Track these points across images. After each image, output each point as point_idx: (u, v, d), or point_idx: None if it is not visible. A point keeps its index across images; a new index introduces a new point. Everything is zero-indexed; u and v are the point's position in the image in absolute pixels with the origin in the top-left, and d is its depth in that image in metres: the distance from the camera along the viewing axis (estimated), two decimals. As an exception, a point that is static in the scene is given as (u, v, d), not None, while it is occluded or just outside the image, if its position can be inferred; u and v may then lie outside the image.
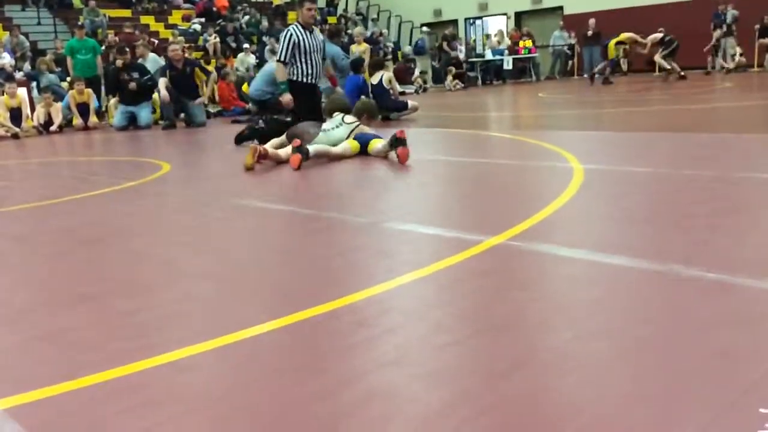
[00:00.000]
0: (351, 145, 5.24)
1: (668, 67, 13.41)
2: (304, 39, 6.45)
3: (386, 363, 1.57)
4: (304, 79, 6.59)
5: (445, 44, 17.99)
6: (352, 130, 5.38)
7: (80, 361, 1.70)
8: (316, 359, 1.62)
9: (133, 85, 10.05)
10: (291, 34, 6.48)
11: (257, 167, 4.95)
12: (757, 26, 14.38)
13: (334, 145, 5.21)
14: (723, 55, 14.93)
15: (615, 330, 1.67)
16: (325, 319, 1.87)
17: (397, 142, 4.75)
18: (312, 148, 5.04)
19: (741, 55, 14.38)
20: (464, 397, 1.39)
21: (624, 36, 13.89)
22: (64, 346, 1.82)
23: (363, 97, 8.21)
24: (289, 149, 5.15)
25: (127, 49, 10.39)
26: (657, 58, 13.80)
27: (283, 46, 6.51)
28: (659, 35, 13.56)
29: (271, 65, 10.67)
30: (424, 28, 21.17)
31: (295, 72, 6.57)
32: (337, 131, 5.39)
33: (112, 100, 10.79)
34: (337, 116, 5.55)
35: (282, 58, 6.54)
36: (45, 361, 1.73)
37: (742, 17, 14.65)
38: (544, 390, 1.40)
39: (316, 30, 6.69)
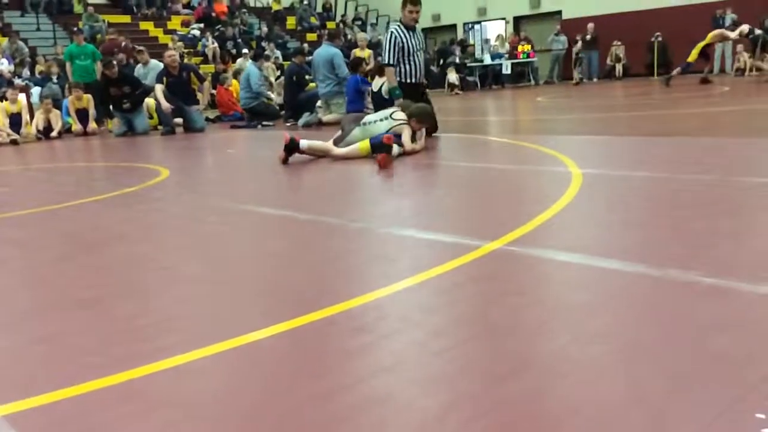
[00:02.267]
0: (360, 146, 5.21)
1: (765, 66, 12.63)
2: (406, 39, 6.46)
3: (384, 368, 1.58)
4: (409, 79, 6.58)
5: (458, 48, 18.20)
6: (393, 127, 5.33)
7: (80, 366, 1.70)
8: (314, 364, 1.63)
9: (127, 104, 10.01)
10: (395, 36, 6.48)
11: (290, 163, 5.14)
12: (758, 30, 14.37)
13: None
14: (722, 61, 14.93)
15: (612, 334, 1.67)
16: (323, 325, 1.87)
17: (381, 147, 4.74)
18: (306, 143, 5.06)
19: (750, 57, 14.33)
20: (461, 401, 1.40)
21: (711, 36, 12.67)
22: (64, 350, 1.82)
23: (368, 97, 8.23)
24: (323, 143, 5.21)
25: (114, 62, 10.28)
26: (750, 59, 13.19)
27: (387, 48, 6.51)
28: (746, 28, 12.58)
29: (248, 71, 10.73)
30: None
31: (400, 73, 6.56)
32: (379, 125, 5.36)
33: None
34: (388, 110, 5.54)
35: (389, 61, 6.52)
36: (44, 366, 1.74)
37: (741, 21, 14.66)
38: (542, 394, 1.41)
39: (418, 29, 6.69)
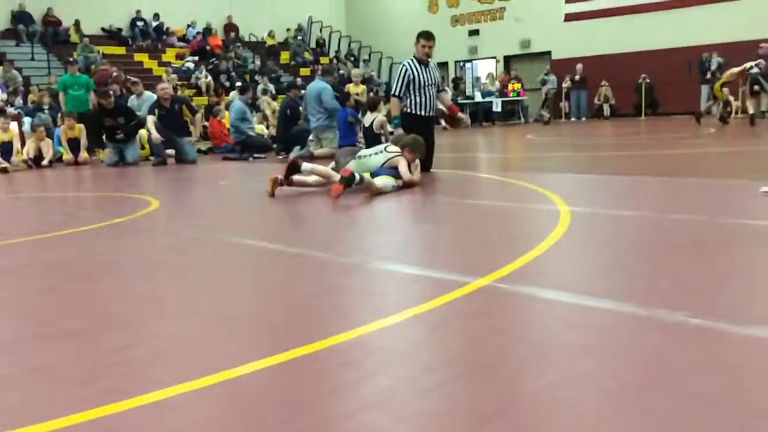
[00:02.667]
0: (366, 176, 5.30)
1: (752, 109, 12.08)
2: (418, 73, 6.61)
3: (370, 405, 1.57)
4: (419, 111, 6.71)
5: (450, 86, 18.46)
6: (389, 159, 5.41)
7: (63, 398, 1.68)
8: (300, 400, 1.62)
9: (121, 135, 10.05)
10: (406, 69, 6.66)
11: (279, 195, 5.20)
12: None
13: (367, 171, 5.24)
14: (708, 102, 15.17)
15: (598, 374, 1.68)
16: (310, 360, 1.87)
17: (345, 179, 4.81)
18: (309, 166, 5.17)
19: (735, 100, 14.58)
20: (448, 440, 1.39)
21: (727, 75, 12.50)
22: (48, 383, 1.80)
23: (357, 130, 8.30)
24: (314, 177, 5.26)
25: (111, 93, 10.33)
26: (736, 102, 12.89)
27: (398, 80, 6.71)
28: (749, 64, 12.37)
29: (235, 105, 10.87)
30: None
31: (409, 104, 6.72)
32: (374, 158, 5.44)
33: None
34: (382, 145, 5.62)
35: (396, 92, 6.72)
36: (27, 398, 1.71)
37: (727, 66, 14.97)
38: (528, 434, 1.41)
39: (432, 63, 6.86)
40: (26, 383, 1.81)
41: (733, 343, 1.83)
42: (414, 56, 6.75)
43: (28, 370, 1.90)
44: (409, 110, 6.73)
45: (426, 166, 6.41)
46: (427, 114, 6.76)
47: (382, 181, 5.16)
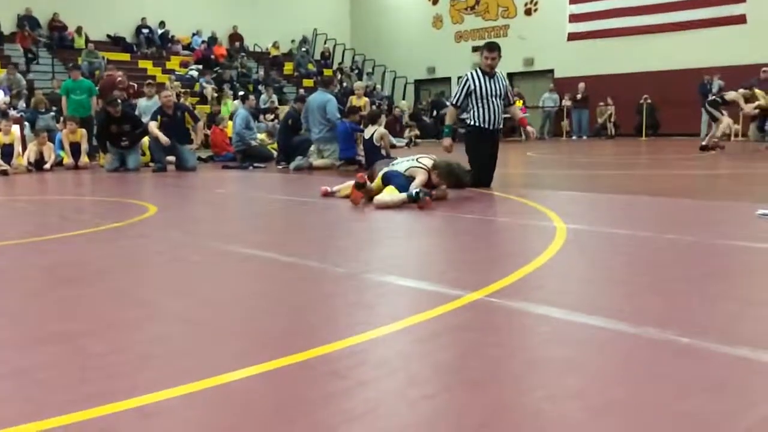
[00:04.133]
0: (375, 184, 5.31)
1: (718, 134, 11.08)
2: (480, 84, 6.45)
3: (356, 416, 1.56)
4: (480, 123, 6.54)
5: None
6: (411, 168, 5.38)
7: (45, 402, 1.67)
8: (286, 409, 1.61)
9: (126, 143, 10.09)
10: (467, 80, 6.52)
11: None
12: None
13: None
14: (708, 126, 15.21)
15: (586, 391, 1.66)
16: (298, 369, 1.86)
17: (357, 185, 4.92)
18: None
19: (734, 123, 14.59)
20: (431, 453, 1.38)
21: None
22: (32, 386, 1.79)
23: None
24: (346, 184, 5.33)
25: (119, 101, 10.37)
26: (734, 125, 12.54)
27: (457, 90, 6.61)
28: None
29: (239, 113, 10.94)
30: None
31: (471, 116, 6.59)
32: (401, 164, 5.45)
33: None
34: (418, 155, 5.61)
35: (454, 101, 6.66)
36: (9, 400, 1.70)
37: (728, 88, 15.03)
38: (512, 449, 1.40)
39: (500, 74, 6.61)
40: (8, 386, 1.80)
41: (723, 363, 1.82)
42: (479, 67, 6.59)
43: (10, 373, 1.89)
44: (470, 122, 6.60)
45: (486, 181, 6.38)
46: (488, 126, 6.55)
47: (389, 196, 5.13)
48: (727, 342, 1.95)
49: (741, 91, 11.43)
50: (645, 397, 1.61)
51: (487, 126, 6.54)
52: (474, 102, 6.52)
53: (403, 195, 5.07)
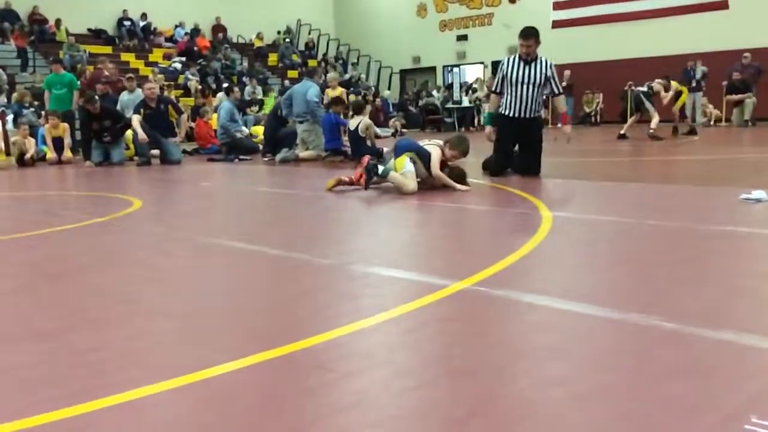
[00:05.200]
0: (396, 164, 5.33)
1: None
2: (513, 70, 6.20)
3: (343, 408, 1.56)
4: (506, 111, 6.31)
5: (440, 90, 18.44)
6: (427, 145, 5.44)
7: (32, 398, 1.66)
8: (271, 403, 1.60)
9: (108, 138, 9.99)
10: (502, 65, 6.36)
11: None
12: (725, 83, 14.83)
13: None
14: (693, 112, 15.31)
15: (572, 378, 1.68)
16: (284, 362, 1.85)
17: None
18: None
19: (715, 108, 14.74)
20: (418, 443, 1.38)
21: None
22: (17, 383, 1.78)
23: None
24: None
25: (96, 98, 10.22)
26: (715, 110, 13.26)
27: (497, 76, 6.48)
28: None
29: (224, 106, 10.86)
30: None
31: (503, 103, 6.36)
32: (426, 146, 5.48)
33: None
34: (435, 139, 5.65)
35: (494, 89, 6.48)
36: (-6, 399, 1.69)
37: (711, 74, 15.12)
38: (499, 437, 1.40)
39: (542, 61, 6.24)
40: (-6, 383, 1.79)
41: (707, 347, 1.83)
42: (519, 54, 6.32)
43: (-4, 370, 1.87)
44: (501, 109, 6.37)
45: (533, 170, 6.22)
46: (514, 114, 6.25)
47: (401, 175, 5.19)
48: (711, 326, 1.97)
49: (658, 80, 11.84)
50: (631, 383, 1.62)
51: (511, 114, 6.27)
52: (506, 88, 6.31)
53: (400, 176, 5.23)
